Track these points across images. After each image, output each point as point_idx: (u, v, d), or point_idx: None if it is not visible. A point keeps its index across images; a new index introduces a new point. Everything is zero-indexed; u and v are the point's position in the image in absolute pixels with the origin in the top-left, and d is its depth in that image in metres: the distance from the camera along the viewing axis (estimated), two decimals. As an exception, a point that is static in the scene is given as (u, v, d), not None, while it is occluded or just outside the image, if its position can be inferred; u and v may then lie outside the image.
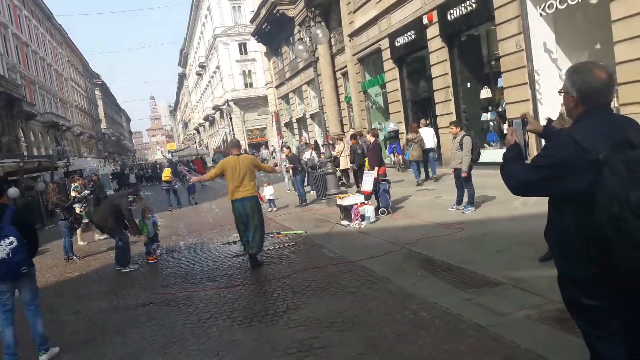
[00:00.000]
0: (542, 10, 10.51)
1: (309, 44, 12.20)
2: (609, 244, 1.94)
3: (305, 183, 14.15)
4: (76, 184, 12.85)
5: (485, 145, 13.22)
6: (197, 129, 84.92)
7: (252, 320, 4.96)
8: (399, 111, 17.64)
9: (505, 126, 12.35)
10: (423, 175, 13.32)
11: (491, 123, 13.50)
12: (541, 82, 10.93)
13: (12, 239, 4.38)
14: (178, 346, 4.56)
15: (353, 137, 13.72)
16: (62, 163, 23.91)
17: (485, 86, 13.38)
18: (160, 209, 16.88)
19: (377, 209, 9.34)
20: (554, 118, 6.23)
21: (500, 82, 12.32)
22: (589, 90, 2.14)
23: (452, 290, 4.93)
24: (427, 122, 14.90)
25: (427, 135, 13.29)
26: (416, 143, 12.69)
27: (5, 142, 31.42)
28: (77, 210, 12.02)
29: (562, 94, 2.27)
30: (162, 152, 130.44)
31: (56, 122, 48.11)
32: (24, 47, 44.34)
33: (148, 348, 4.64)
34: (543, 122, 3.52)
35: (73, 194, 12.29)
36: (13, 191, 15.13)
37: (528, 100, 11.12)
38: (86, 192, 12.73)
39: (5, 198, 4.90)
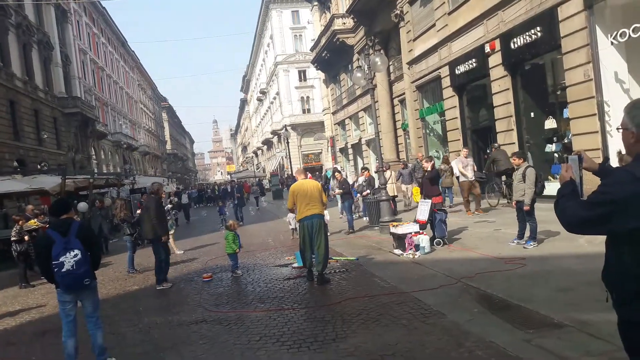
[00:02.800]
0: (613, 38, 10.06)
1: (367, 72, 12.28)
2: None
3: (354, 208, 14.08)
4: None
5: (550, 177, 12.67)
6: (255, 152, 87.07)
7: (301, 346, 4.91)
8: (458, 139, 17.31)
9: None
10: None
11: (556, 155, 12.94)
12: (611, 113, 10.38)
13: (76, 251, 4.60)
14: (228, 367, 4.58)
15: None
16: (128, 181, 25.08)
17: (550, 116, 12.88)
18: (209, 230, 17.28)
19: (432, 239, 9.11)
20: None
21: (567, 113, 11.82)
22: None
23: (510, 330, 4.68)
24: (467, 152, 14.85)
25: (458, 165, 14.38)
26: (447, 172, 13.87)
27: (78, 160, 33.48)
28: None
29: (621, 130, 2.16)
30: (221, 173, 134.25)
31: (125, 141, 50.82)
32: (100, 71, 47.51)
33: (198, 366, 4.69)
34: (613, 156, 3.34)
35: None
36: (82, 206, 16.03)
37: (597, 132, 10.59)
38: (169, 205, 13.20)
39: (73, 213, 5.18)
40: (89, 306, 4.91)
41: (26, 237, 10.31)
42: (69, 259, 4.57)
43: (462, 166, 13.17)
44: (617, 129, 2.21)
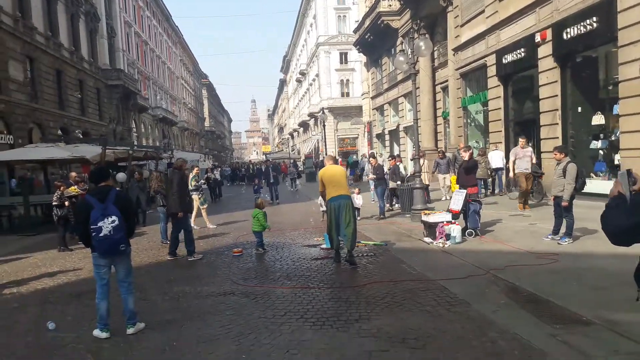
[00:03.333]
0: (674, 32, 9.56)
1: (410, 56, 12.07)
2: None
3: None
4: (194, 174, 13.53)
5: (592, 175, 12.26)
6: (291, 134, 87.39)
7: (324, 324, 4.98)
8: (500, 130, 16.90)
9: (617, 156, 11.37)
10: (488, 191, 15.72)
11: (601, 152, 12.48)
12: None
13: (114, 217, 4.77)
14: (252, 338, 4.69)
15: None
16: (166, 155, 25.67)
17: (599, 112, 12.39)
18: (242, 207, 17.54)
19: (464, 230, 9.00)
20: None
21: (616, 109, 11.34)
22: None
23: (536, 323, 4.61)
24: (496, 146, 16.04)
25: (496, 158, 15.32)
26: (482, 164, 13.87)
27: (119, 131, 34.43)
28: (198, 196, 13.08)
29: None
30: (257, 153, 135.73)
31: (165, 116, 51.86)
32: (143, 44, 48.44)
33: (224, 336, 4.81)
34: None
35: (192, 183, 12.72)
36: (121, 176, 16.53)
37: (647, 131, 10.15)
38: (202, 181, 13.52)
39: (111, 181, 5.37)
40: (122, 271, 5.10)
41: (66, 203, 10.70)
42: (107, 225, 4.74)
43: (516, 158, 12.35)
44: None
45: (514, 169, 12.49)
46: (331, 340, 4.53)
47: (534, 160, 12.55)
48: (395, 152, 29.39)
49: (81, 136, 25.15)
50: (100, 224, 4.73)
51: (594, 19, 11.78)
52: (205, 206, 13.60)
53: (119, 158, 18.76)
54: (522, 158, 12.28)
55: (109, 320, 5.01)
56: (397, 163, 15.23)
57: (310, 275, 7.19)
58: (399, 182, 13.79)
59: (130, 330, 5.00)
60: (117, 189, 5.54)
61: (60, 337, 5.09)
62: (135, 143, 35.16)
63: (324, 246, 9.15)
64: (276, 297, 6.09)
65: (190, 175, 12.94)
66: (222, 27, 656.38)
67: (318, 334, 4.71)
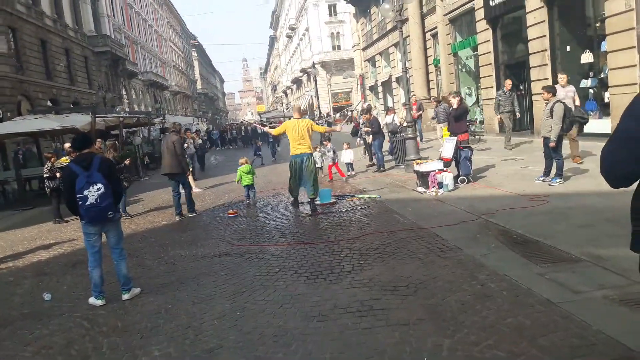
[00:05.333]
0: (660, -37, 9.29)
1: (395, 3, 11.75)
2: None
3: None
4: (189, 138, 13.51)
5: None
6: (285, 92, 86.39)
7: (318, 277, 5.06)
8: (491, 75, 16.68)
9: (607, 94, 11.26)
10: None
11: (591, 90, 12.35)
12: (652, 46, 9.77)
13: (99, 185, 4.74)
14: (246, 295, 4.77)
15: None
16: (158, 120, 25.44)
17: (587, 50, 12.20)
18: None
19: (456, 177, 9.02)
20: None
21: (604, 46, 11.16)
22: None
23: (525, 264, 4.70)
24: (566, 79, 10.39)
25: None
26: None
27: (109, 99, 33.96)
28: None
29: None
30: (251, 113, 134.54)
31: (155, 81, 51.03)
32: (128, 8, 47.09)
33: (219, 295, 4.91)
34: None
35: (185, 145, 12.73)
36: (116, 144, 16.42)
37: (635, 66, 10.01)
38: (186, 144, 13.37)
39: (95, 147, 5.31)
40: (112, 237, 5.12)
41: (58, 174, 10.65)
42: (93, 193, 4.72)
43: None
44: None
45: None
46: (324, 293, 4.61)
47: (577, 102, 9.79)
48: (390, 104, 29.17)
49: (71, 105, 24.82)
50: (85, 192, 4.70)
51: (580, -46, 11.43)
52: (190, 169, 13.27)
53: (111, 126, 18.61)
54: (564, 99, 9.29)
55: (104, 288, 5.08)
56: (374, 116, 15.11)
57: (305, 232, 7.27)
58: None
59: (125, 296, 5.07)
60: (102, 155, 5.50)
61: (57, 306, 5.17)
62: (127, 109, 34.78)
63: (318, 202, 9.19)
64: (271, 254, 6.17)
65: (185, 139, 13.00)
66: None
67: (311, 288, 4.80)
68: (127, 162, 11.26)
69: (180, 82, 71.32)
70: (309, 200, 8.71)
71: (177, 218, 9.45)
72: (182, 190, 9.70)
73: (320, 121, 30.48)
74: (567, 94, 9.62)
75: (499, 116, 12.60)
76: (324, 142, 12.99)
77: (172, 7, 73.08)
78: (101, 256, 5.08)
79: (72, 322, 4.69)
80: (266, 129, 12.37)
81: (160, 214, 10.47)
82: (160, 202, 11.91)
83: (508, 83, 12.59)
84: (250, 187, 10.51)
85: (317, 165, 13.18)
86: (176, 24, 76.65)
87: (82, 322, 4.65)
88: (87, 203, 4.72)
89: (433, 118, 16.79)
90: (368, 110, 14.61)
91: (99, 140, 12.40)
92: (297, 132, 8.49)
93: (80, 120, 15.80)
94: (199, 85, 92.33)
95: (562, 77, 9.99)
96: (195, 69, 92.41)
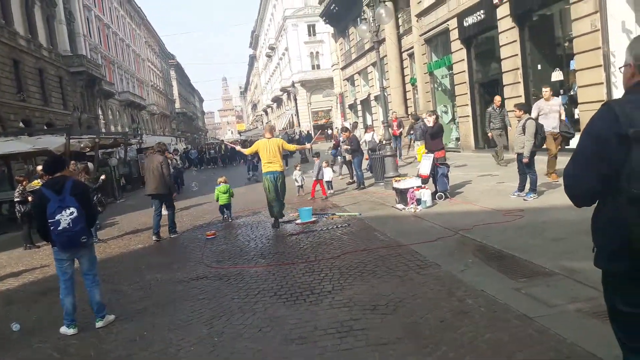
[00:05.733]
0: (621, -14, 9.68)
1: (372, 24, 11.96)
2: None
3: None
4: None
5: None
6: (265, 110, 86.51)
7: (297, 299, 5.02)
8: (466, 93, 17.02)
9: (577, 110, 11.58)
10: None
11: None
12: (617, 64, 10.07)
13: (72, 209, 4.64)
14: (224, 320, 4.70)
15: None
16: (135, 140, 25.20)
17: (557, 68, 12.61)
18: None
19: (434, 194, 9.12)
20: None
21: (573, 65, 11.55)
22: None
23: (502, 279, 4.75)
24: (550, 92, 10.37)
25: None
26: None
27: (85, 119, 33.55)
28: None
29: (622, 69, 2.05)
30: (231, 132, 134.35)
31: (133, 100, 50.63)
32: (106, 28, 46.87)
33: (196, 320, 4.82)
34: None
35: None
36: (89, 166, 16.16)
37: (602, 83, 10.37)
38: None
39: (67, 171, 5.21)
40: (85, 263, 4.99)
41: (29, 198, 10.34)
42: (65, 217, 4.61)
43: (540, 113, 9.34)
44: (620, 68, 2.10)
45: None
46: (304, 314, 4.58)
47: (563, 116, 9.47)
48: (369, 122, 29.47)
49: (45, 126, 24.43)
50: (58, 216, 4.60)
51: (547, -22, 11.87)
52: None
53: (86, 147, 18.33)
54: (548, 114, 9.37)
55: (76, 316, 4.93)
56: (371, 132, 15.32)
57: (285, 252, 7.22)
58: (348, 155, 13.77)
59: (99, 324, 4.92)
60: (75, 178, 5.40)
61: (26, 337, 4.99)
62: (104, 130, 34.38)
63: (299, 221, 9.19)
64: (250, 276, 6.10)
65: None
66: (187, 5, 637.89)
67: (291, 310, 4.76)
68: (102, 177, 11.05)
69: (159, 101, 70.94)
70: (279, 217, 9.21)
71: (154, 239, 9.31)
72: (165, 212, 9.60)
73: (298, 137, 31.06)
74: (552, 107, 9.36)
75: (490, 133, 12.38)
76: (314, 158, 13.05)
77: (150, 27, 73.05)
78: (73, 283, 4.94)
79: (41, 353, 4.54)
80: (238, 148, 12.41)
81: (136, 236, 10.29)
82: (137, 225, 11.71)
83: (497, 99, 12.49)
84: (226, 206, 10.65)
85: (297, 184, 13.32)
86: (154, 44, 76.54)
87: (52, 353, 4.51)
88: (59, 228, 4.61)
89: (406, 136, 17.07)
90: (355, 126, 14.81)
91: (72, 162, 12.17)
92: (268, 151, 9.04)
93: (54, 142, 15.54)
94: (177, 105, 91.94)
95: (545, 91, 9.65)
96: (173, 89, 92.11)
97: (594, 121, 1.94)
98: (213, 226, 10.20)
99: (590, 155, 1.91)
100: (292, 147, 10.74)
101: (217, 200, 10.71)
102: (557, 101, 9.61)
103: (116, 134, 27.26)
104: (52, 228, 4.62)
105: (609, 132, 1.81)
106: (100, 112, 40.54)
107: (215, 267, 6.84)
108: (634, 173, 1.71)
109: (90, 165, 15.91)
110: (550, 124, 9.15)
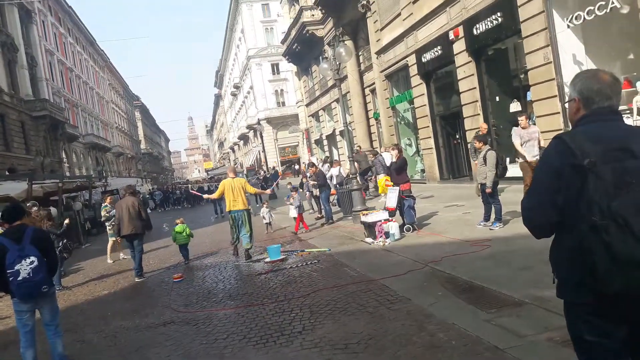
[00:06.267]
0: (569, 22, 10.23)
1: (333, 63, 12.25)
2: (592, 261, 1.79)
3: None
4: (106, 203, 13.22)
5: (517, 159, 12.85)
6: (232, 148, 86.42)
7: (267, 341, 4.90)
8: (428, 126, 17.45)
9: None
10: None
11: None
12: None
13: (32, 258, 4.46)
14: (192, 366, 4.55)
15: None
16: (100, 183, 24.65)
17: (515, 100, 13.08)
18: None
19: (402, 226, 9.19)
20: None
21: (530, 96, 12.03)
22: (590, 91, 2.02)
23: (472, 311, 4.76)
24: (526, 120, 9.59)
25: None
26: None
27: (48, 163, 32.72)
28: (108, 228, 12.46)
29: (567, 105, 2.16)
30: (199, 171, 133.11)
31: (97, 143, 49.82)
32: (68, 72, 46.40)
33: (163, 368, 4.64)
34: None
35: (103, 212, 12.65)
36: (52, 211, 15.66)
37: (558, 113, 10.78)
38: (114, 211, 12.93)
39: (27, 219, 5.03)
40: (47, 314, 4.78)
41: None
42: (25, 267, 4.43)
43: (521, 142, 9.08)
44: (564, 103, 2.19)
45: (523, 156, 9.18)
46: (274, 357, 4.47)
47: (542, 142, 9.07)
48: (335, 157, 29.74)
49: (7, 172, 23.71)
50: (17, 267, 4.40)
51: (499, 14, 12.47)
52: (113, 239, 12.37)
53: (49, 192, 17.81)
54: (528, 141, 9.06)
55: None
56: (337, 167, 15.46)
57: (254, 292, 7.08)
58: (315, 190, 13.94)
59: (62, 378, 4.70)
60: (35, 226, 5.21)
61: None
62: (68, 174, 33.53)
63: (268, 260, 9.07)
64: (218, 320, 5.95)
65: (102, 205, 13.27)
66: (151, 47, 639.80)
67: (261, 353, 4.64)
68: (66, 222, 10.69)
69: (124, 143, 69.97)
70: (248, 252, 9.69)
71: (138, 280, 9.33)
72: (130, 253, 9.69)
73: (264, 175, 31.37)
74: (532, 135, 9.04)
75: (475, 162, 12.13)
76: (292, 193, 12.99)
77: (113, 69, 72.74)
78: (34, 335, 4.71)
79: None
80: (206, 195, 12.76)
81: (102, 282, 9.93)
82: (102, 270, 11.32)
83: (484, 127, 12.21)
84: (184, 246, 10.59)
85: (265, 221, 13.24)
86: (118, 86, 76.06)
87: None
88: (19, 278, 4.41)
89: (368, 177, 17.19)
90: (326, 161, 14.89)
91: (34, 208, 11.76)
92: (232, 191, 9.69)
93: (15, 188, 15.08)
94: (143, 145, 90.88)
95: (521, 119, 9.17)
96: (139, 129, 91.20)
97: (548, 154, 2.01)
98: (180, 268, 9.96)
99: (547, 187, 1.97)
100: (253, 190, 11.10)
101: (175, 241, 10.63)
102: (535, 128, 9.41)
103: (80, 177, 26.63)
104: (11, 279, 4.41)
105: (563, 163, 1.89)
106: (64, 156, 39.66)
107: (182, 310, 6.64)
108: (593, 201, 1.76)
109: (53, 210, 15.47)
110: (532, 152, 8.96)
